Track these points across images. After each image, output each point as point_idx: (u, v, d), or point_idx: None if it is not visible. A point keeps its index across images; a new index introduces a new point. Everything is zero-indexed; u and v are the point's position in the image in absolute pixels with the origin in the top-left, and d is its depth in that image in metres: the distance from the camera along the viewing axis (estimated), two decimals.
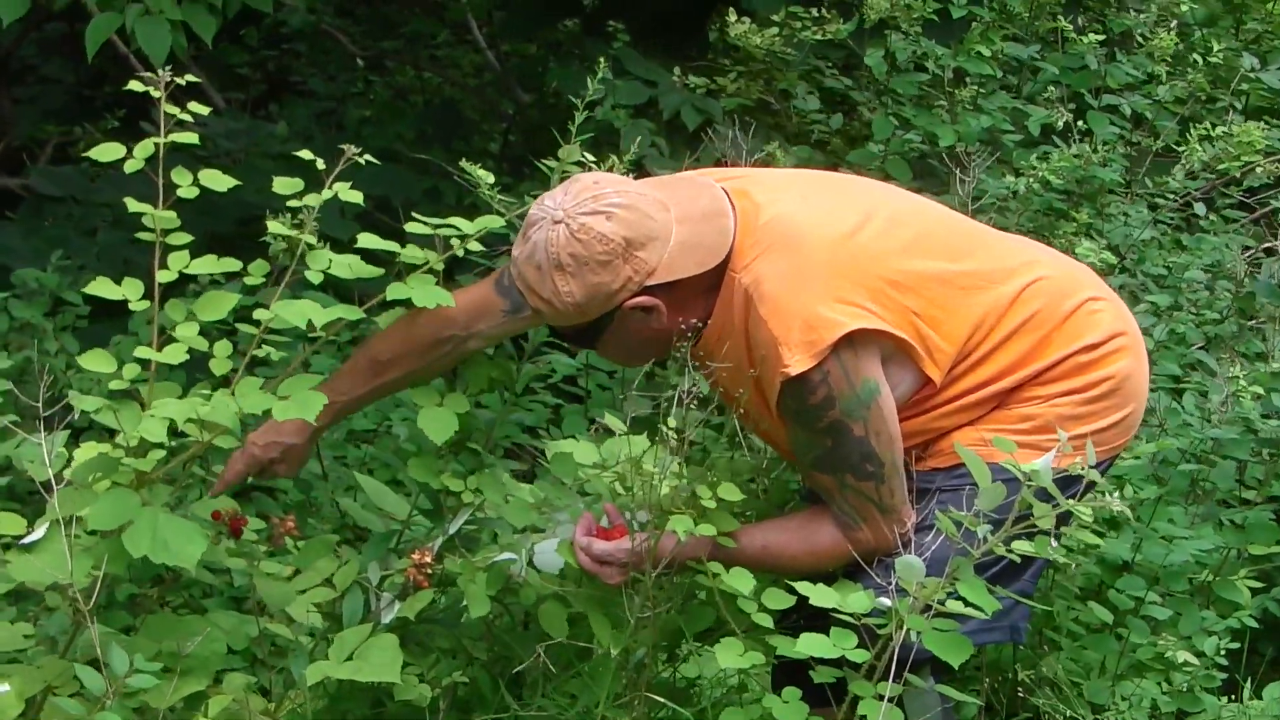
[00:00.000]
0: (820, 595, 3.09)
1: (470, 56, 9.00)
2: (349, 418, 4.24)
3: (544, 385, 5.31)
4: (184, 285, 3.63)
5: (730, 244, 3.23)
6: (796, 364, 3.13)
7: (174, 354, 3.31)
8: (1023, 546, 2.93)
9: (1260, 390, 4.39)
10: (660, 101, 6.76)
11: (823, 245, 3.22)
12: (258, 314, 3.41)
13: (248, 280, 3.47)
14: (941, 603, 2.99)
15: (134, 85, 3.48)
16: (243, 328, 3.47)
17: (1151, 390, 4.70)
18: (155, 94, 3.40)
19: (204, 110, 3.49)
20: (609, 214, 3.16)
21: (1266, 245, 5.71)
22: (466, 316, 3.48)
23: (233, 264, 3.46)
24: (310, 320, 3.38)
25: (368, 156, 3.52)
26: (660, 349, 3.33)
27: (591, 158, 3.78)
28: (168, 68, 3.42)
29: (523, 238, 3.24)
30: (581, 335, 3.34)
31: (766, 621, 3.20)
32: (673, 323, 3.22)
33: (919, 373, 3.26)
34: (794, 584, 3.14)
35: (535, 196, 3.66)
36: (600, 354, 3.50)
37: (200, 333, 3.36)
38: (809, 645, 3.06)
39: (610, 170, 3.74)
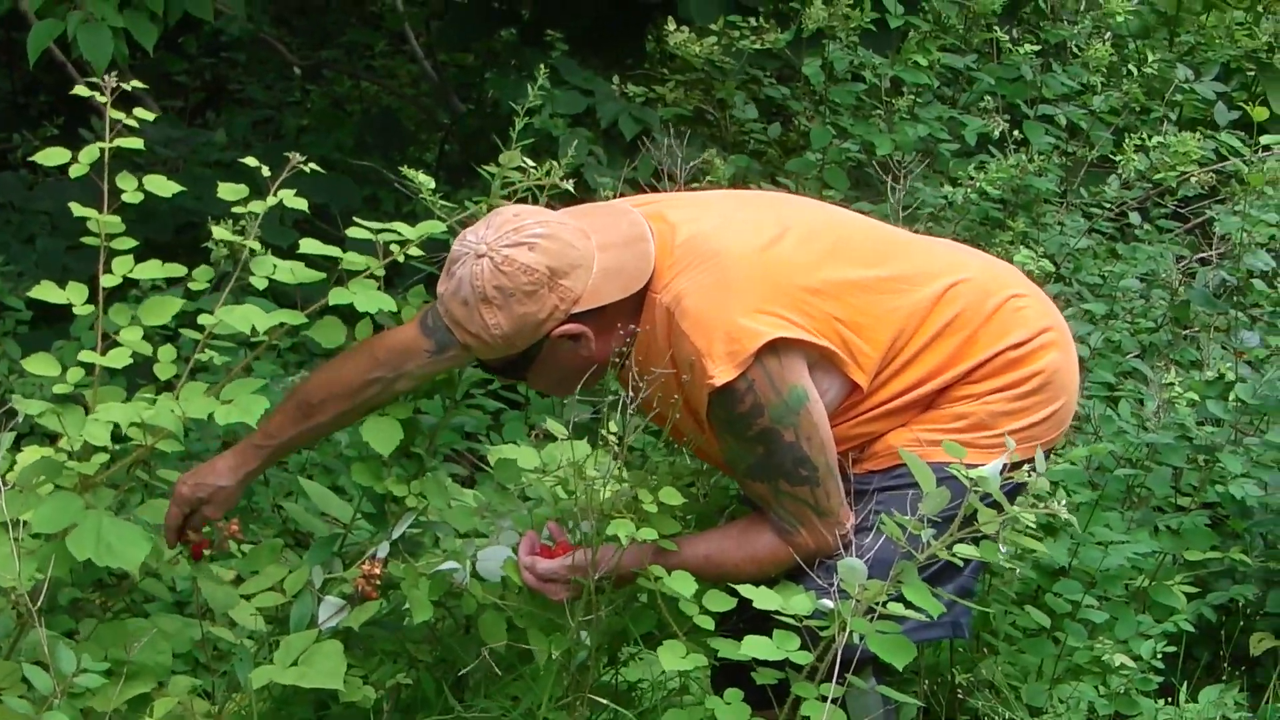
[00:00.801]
0: (763, 598, 3.11)
1: (407, 66, 9.02)
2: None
3: (484, 391, 5.32)
4: (125, 291, 3.63)
5: (650, 268, 3.27)
6: (721, 374, 3.16)
7: (118, 358, 3.33)
8: (967, 550, 2.95)
9: (1195, 397, 4.43)
10: (598, 110, 6.79)
11: (741, 259, 3.26)
12: (202, 319, 3.42)
13: (193, 285, 3.49)
14: (884, 605, 3.00)
15: (79, 90, 3.51)
16: (186, 333, 3.48)
17: (1086, 398, 4.77)
18: (101, 99, 3.42)
19: (149, 116, 3.50)
20: (531, 244, 3.20)
21: (1201, 255, 5.76)
22: (393, 357, 3.46)
23: (177, 269, 3.48)
24: (254, 325, 3.41)
25: (312, 165, 3.54)
26: (590, 377, 3.36)
27: (531, 163, 3.77)
28: (112, 74, 3.43)
29: (446, 275, 3.27)
30: (510, 367, 3.37)
31: (708, 624, 3.21)
32: (601, 349, 3.27)
33: (845, 379, 3.30)
34: (737, 587, 3.16)
35: (476, 202, 3.70)
36: (530, 385, 3.53)
37: (143, 338, 3.37)
38: (752, 647, 3.08)
39: (549, 175, 3.74)
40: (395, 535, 3.52)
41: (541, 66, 4.20)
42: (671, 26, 6.39)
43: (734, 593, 3.20)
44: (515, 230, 3.22)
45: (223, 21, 8.01)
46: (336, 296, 3.47)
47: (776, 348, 3.19)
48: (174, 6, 4.92)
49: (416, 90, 8.83)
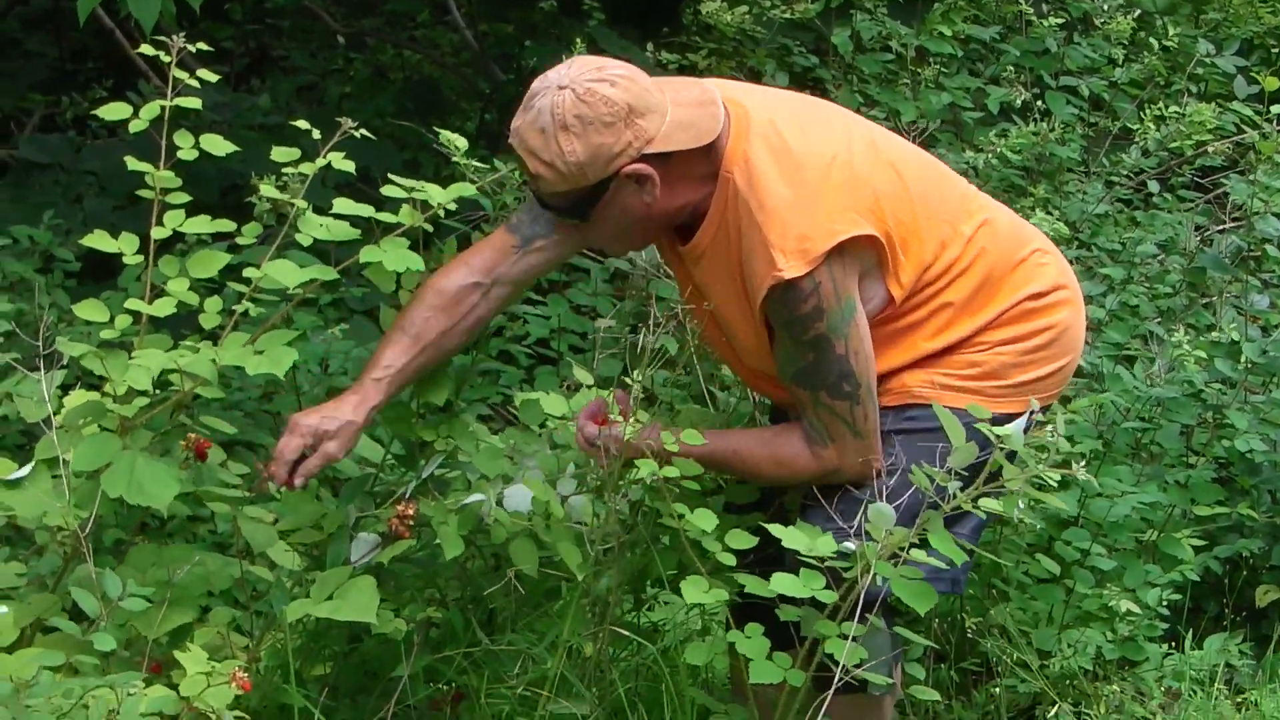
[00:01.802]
0: (789, 537, 3.19)
1: (448, 36, 9.11)
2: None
3: (518, 347, 5.46)
4: (173, 245, 3.77)
5: (720, 130, 3.36)
6: (790, 268, 3.26)
7: (163, 307, 3.45)
8: (991, 505, 3.05)
9: (1204, 355, 4.55)
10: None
11: (815, 156, 3.35)
12: (248, 272, 3.55)
13: (240, 241, 3.61)
14: (907, 550, 3.10)
15: (145, 49, 3.64)
16: (233, 284, 3.60)
17: (1098, 356, 4.90)
18: (166, 59, 3.54)
19: (212, 78, 3.62)
20: (613, 81, 3.28)
21: (1220, 226, 5.88)
22: (484, 262, 3.57)
23: (226, 225, 3.60)
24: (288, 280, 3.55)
25: (363, 131, 3.67)
26: (647, 234, 3.48)
27: None
28: (181, 34, 3.56)
29: (524, 109, 3.33)
30: (576, 205, 3.39)
31: (730, 560, 3.32)
32: (663, 200, 3.35)
33: (885, 291, 3.40)
34: (767, 526, 3.25)
35: (512, 169, 3.85)
36: (590, 233, 3.53)
37: (190, 289, 3.51)
38: (780, 584, 3.17)
39: None
40: (425, 475, 3.64)
41: (579, 37, 4.34)
42: None
43: (756, 532, 3.32)
44: (598, 69, 3.30)
45: None
46: (368, 254, 3.59)
47: (844, 251, 3.30)
48: None
49: (457, 59, 8.93)
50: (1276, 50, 7.23)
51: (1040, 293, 3.52)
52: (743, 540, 3.36)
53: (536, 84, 3.34)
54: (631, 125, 3.28)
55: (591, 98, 3.26)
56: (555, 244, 3.58)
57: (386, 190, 3.68)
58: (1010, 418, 3.31)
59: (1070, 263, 4.41)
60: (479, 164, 3.87)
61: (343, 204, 3.63)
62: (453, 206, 3.69)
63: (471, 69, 8.54)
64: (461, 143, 3.86)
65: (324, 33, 8.74)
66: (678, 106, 3.34)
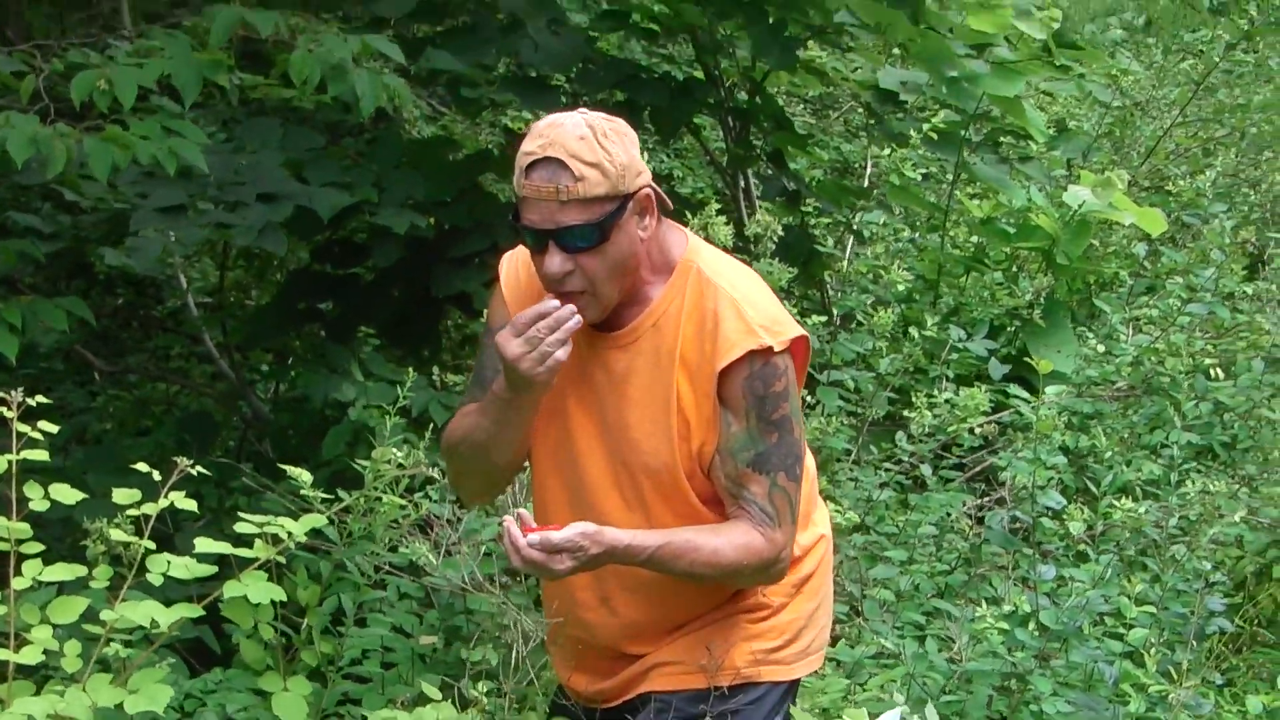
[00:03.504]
0: None
1: (201, 367, 9.26)
2: None
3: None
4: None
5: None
6: (769, 341, 3.41)
7: (31, 654, 3.56)
8: None
9: (1005, 626, 4.81)
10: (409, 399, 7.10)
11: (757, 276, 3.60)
12: (104, 614, 3.66)
13: (93, 585, 3.72)
14: None
15: None
16: (89, 628, 3.70)
17: (900, 638, 5.15)
18: (8, 414, 3.67)
19: (53, 429, 3.76)
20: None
21: (987, 499, 6.22)
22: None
23: (79, 569, 3.72)
24: (153, 619, 3.67)
25: (212, 470, 3.82)
26: (632, 274, 3.48)
27: (399, 453, 4.10)
28: (19, 390, 3.69)
29: (541, 135, 3.36)
30: (605, 219, 3.36)
31: None
32: (648, 244, 3.46)
33: None
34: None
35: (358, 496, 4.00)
36: (596, 263, 3.42)
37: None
38: None
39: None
40: None
41: (353, 362, 4.53)
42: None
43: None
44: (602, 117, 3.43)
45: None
46: (230, 589, 3.73)
47: (800, 348, 3.52)
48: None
49: (213, 389, 9.06)
50: (1015, 329, 7.68)
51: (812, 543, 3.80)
52: None
53: (542, 123, 3.39)
54: (640, 159, 3.43)
55: (613, 121, 3.41)
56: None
57: (239, 526, 3.83)
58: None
59: (860, 549, 4.75)
60: (325, 494, 4.03)
61: (202, 543, 3.77)
62: (303, 538, 3.86)
63: (226, 397, 8.66)
64: (306, 477, 4.02)
65: (86, 371, 8.83)
66: None
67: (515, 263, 3.69)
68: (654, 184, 3.44)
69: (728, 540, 3.45)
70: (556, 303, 3.36)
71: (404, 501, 4.44)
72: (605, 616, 3.69)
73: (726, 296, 3.44)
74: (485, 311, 3.74)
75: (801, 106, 11.97)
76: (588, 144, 3.31)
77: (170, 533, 4.19)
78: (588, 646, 3.74)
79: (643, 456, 3.52)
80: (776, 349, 3.42)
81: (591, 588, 3.67)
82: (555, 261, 3.37)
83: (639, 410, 3.50)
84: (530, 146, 3.34)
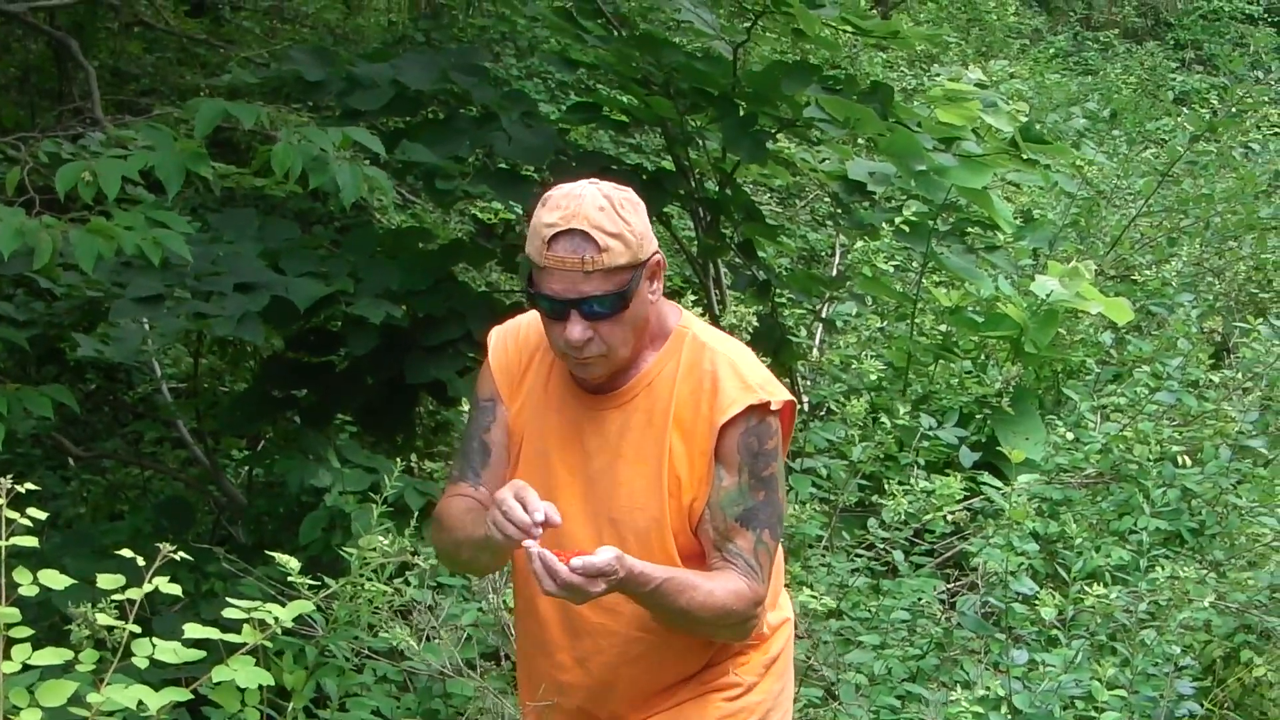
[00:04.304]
0: None
1: (175, 453, 9.28)
2: None
3: None
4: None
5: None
6: (766, 398, 3.52)
7: None
8: None
9: (980, 710, 4.88)
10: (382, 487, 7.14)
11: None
12: (91, 698, 3.70)
13: (80, 669, 3.75)
14: None
15: None
16: (74, 710, 3.73)
17: None
18: None
19: (42, 515, 3.79)
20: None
21: (958, 584, 6.30)
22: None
23: (66, 653, 3.75)
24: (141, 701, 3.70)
25: (188, 555, 3.85)
26: (641, 336, 3.56)
27: (385, 540, 4.16)
28: (9, 476, 3.73)
29: (556, 206, 3.42)
30: (625, 287, 3.43)
31: None
32: (653, 309, 3.55)
33: None
34: None
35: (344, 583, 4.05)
36: (619, 327, 3.50)
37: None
38: None
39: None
40: None
41: (330, 450, 4.56)
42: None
43: None
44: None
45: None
46: (219, 674, 3.76)
47: (786, 416, 3.60)
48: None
49: (185, 474, 9.08)
50: (983, 417, 7.76)
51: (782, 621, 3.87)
52: None
53: (557, 194, 3.45)
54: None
55: (626, 191, 3.48)
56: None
57: (227, 612, 3.86)
58: None
59: (834, 634, 4.80)
60: (312, 581, 4.07)
61: (191, 628, 3.80)
62: (290, 624, 3.89)
63: (199, 483, 8.69)
64: (294, 563, 4.07)
65: (59, 456, 8.85)
66: None
67: (504, 337, 3.76)
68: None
69: (720, 585, 3.50)
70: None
71: (389, 588, 4.49)
72: (581, 677, 3.73)
73: (724, 358, 3.56)
74: (472, 389, 3.79)
75: (768, 195, 12.09)
76: (608, 215, 3.40)
77: (148, 616, 4.23)
78: (565, 715, 3.79)
79: (632, 513, 3.58)
80: (773, 407, 3.53)
81: (569, 648, 3.72)
82: (577, 331, 3.44)
83: (631, 467, 3.58)
84: (551, 218, 3.40)
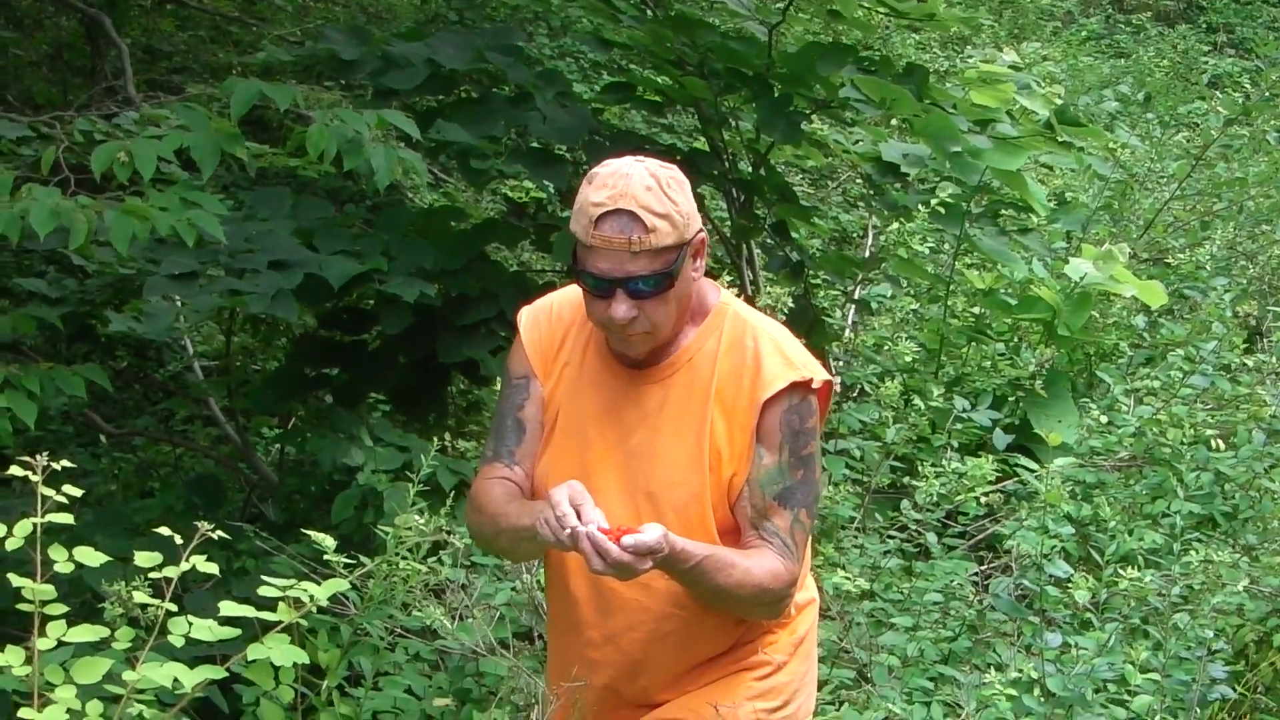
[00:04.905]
0: None
1: (206, 431, 9.29)
2: None
3: None
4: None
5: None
6: (808, 376, 3.56)
7: (54, 714, 3.59)
8: None
9: (1014, 692, 4.86)
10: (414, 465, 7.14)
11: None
12: (126, 675, 3.70)
13: (115, 646, 3.76)
14: None
15: (14, 470, 3.80)
16: (110, 688, 3.74)
17: (907, 703, 5.20)
18: (34, 478, 3.71)
19: (77, 493, 3.80)
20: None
21: (991, 566, 6.28)
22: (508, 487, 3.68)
23: (103, 631, 3.76)
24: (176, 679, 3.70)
25: (219, 533, 3.86)
26: (681, 317, 3.59)
27: (421, 519, 4.15)
28: (44, 453, 3.73)
29: (603, 185, 3.43)
30: (672, 265, 3.45)
31: None
32: (693, 287, 3.57)
33: None
34: None
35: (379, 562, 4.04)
36: (664, 305, 3.51)
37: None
38: None
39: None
40: None
41: (364, 428, 4.56)
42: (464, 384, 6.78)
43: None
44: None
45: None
46: (254, 651, 3.76)
47: (824, 396, 3.63)
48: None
49: (216, 452, 9.10)
50: (1017, 400, 7.74)
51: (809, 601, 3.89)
52: None
53: (604, 171, 3.46)
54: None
55: (672, 170, 3.49)
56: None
57: (263, 590, 3.87)
58: None
59: (866, 615, 4.79)
60: (347, 559, 4.07)
61: (227, 606, 3.81)
62: (325, 602, 3.89)
63: (231, 461, 8.70)
64: (330, 542, 4.07)
65: (90, 434, 8.87)
66: None
67: (536, 315, 3.78)
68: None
69: (758, 563, 3.52)
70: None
71: (424, 567, 4.49)
72: (611, 654, 3.74)
73: (767, 336, 3.59)
74: (504, 367, 3.80)
75: (800, 176, 12.06)
76: (655, 195, 3.40)
77: (180, 594, 4.23)
78: (594, 693, 3.79)
79: (671, 488, 3.59)
80: (814, 385, 3.56)
81: (600, 625, 3.73)
82: (622, 309, 3.46)
83: (670, 441, 3.59)
84: (599, 197, 3.42)
